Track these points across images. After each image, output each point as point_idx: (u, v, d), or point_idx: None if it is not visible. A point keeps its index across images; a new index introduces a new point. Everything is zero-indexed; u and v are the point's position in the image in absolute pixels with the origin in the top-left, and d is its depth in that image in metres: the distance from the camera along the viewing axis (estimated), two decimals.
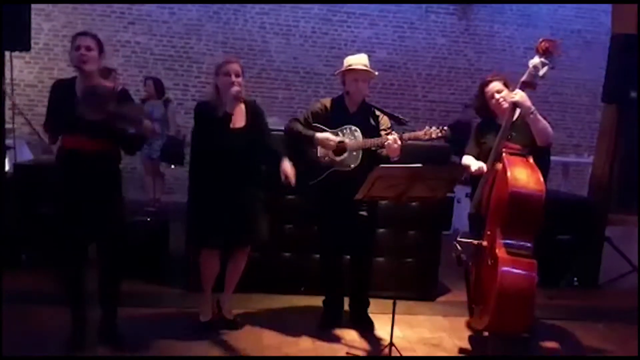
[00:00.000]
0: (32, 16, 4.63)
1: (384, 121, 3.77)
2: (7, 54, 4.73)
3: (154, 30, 8.55)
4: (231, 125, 3.49)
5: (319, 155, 3.74)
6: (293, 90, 8.96)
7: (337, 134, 3.70)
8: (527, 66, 3.39)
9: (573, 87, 9.43)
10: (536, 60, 3.34)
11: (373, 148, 3.62)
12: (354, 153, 3.64)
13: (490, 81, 3.65)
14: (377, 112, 3.78)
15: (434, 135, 3.50)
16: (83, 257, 3.26)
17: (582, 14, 9.41)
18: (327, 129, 3.72)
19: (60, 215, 3.19)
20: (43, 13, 8.09)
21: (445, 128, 3.51)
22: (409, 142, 3.55)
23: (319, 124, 3.76)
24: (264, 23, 8.79)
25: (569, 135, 9.54)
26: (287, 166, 3.54)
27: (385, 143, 3.50)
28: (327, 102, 3.84)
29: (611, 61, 4.99)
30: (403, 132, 3.56)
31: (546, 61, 3.32)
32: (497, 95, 3.60)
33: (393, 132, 3.59)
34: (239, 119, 3.55)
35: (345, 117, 3.73)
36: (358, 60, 3.71)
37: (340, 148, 3.67)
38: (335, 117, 3.75)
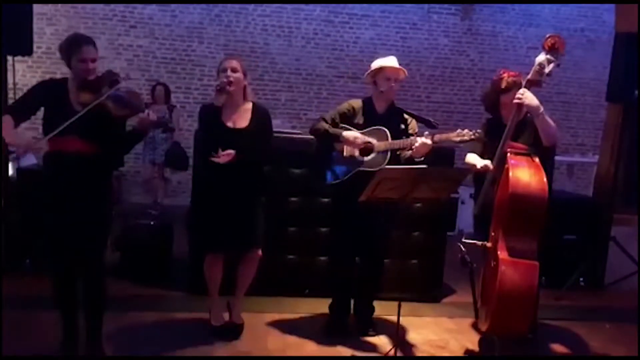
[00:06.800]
0: (34, 20, 4.63)
1: (412, 125, 3.69)
2: (9, 58, 4.74)
3: (156, 34, 8.55)
4: (231, 125, 3.44)
5: (345, 155, 3.66)
6: (295, 92, 8.94)
7: (365, 135, 3.63)
8: (532, 65, 3.31)
9: (577, 86, 9.39)
10: (542, 57, 3.27)
11: (400, 149, 3.55)
12: (381, 154, 3.56)
13: (514, 88, 3.42)
14: (406, 116, 3.71)
15: (466, 138, 3.38)
16: (72, 265, 3.13)
17: (585, 13, 9.36)
18: (355, 130, 3.67)
19: (48, 221, 3.09)
20: (45, 17, 8.09)
21: (479, 131, 3.41)
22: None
23: (346, 125, 3.70)
24: (266, 25, 8.78)
25: (573, 134, 9.50)
26: None
27: (415, 144, 3.43)
28: (355, 103, 3.77)
29: (615, 60, 4.97)
30: (434, 134, 3.47)
31: (552, 58, 3.25)
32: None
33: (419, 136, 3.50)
34: (242, 120, 3.48)
35: (373, 119, 3.66)
36: (389, 61, 3.68)
37: (367, 148, 3.60)
38: (363, 119, 3.69)
